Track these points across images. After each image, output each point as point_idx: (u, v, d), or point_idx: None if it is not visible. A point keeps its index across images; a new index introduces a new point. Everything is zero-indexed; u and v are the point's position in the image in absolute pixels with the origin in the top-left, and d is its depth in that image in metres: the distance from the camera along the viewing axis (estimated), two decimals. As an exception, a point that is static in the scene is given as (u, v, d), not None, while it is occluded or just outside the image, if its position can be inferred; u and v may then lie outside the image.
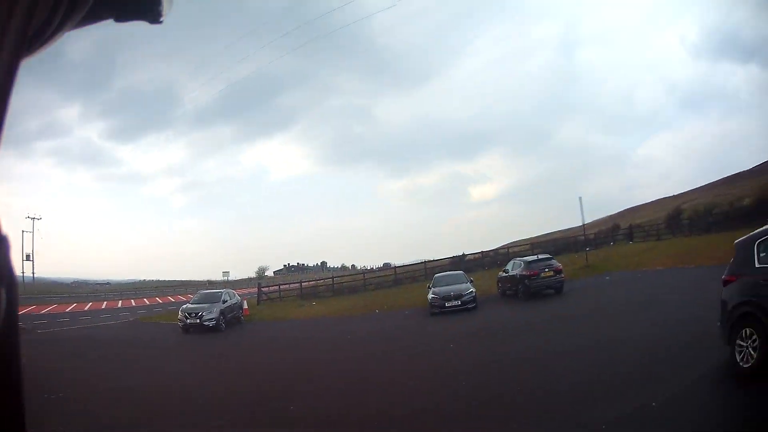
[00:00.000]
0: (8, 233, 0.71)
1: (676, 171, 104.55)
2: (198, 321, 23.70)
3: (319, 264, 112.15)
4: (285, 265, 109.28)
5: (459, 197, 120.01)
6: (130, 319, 33.66)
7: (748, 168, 60.76)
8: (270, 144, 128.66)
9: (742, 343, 7.78)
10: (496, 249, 46.49)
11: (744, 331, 7.77)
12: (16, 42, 0.68)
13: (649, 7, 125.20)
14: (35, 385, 10.80)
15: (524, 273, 23.56)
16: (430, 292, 23.23)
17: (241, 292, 32.97)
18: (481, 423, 7.96)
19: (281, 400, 10.19)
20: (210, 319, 23.71)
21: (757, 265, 7.85)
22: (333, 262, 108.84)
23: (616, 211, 65.56)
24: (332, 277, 41.22)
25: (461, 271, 26.92)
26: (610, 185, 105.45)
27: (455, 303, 21.88)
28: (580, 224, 35.41)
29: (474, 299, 22.20)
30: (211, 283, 63.91)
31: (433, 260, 42.29)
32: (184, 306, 25.57)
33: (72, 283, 74.61)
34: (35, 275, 63.36)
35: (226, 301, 25.71)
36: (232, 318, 25.62)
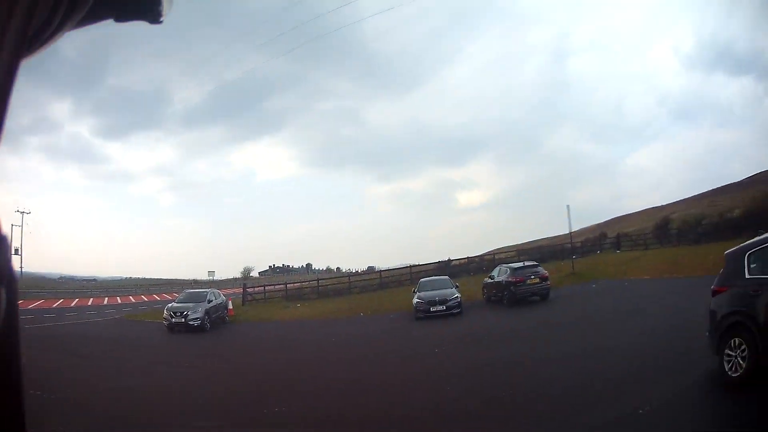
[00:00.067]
0: (8, 233, 0.70)
1: (666, 181, 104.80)
2: (183, 320, 23.49)
3: (305, 266, 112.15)
4: (270, 266, 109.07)
5: (446, 203, 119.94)
6: (116, 316, 33.34)
7: (738, 180, 61.21)
8: (258, 146, 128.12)
9: (730, 352, 7.82)
10: (482, 255, 46.42)
11: (733, 340, 7.81)
12: (16, 42, 0.69)
13: (643, 17, 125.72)
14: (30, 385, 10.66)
15: (510, 279, 23.44)
16: (415, 296, 23.14)
17: (226, 292, 32.69)
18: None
19: (278, 400, 10.18)
20: (195, 319, 23.50)
21: (747, 276, 7.91)
22: (318, 264, 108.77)
23: (604, 220, 65.82)
24: (317, 280, 40.90)
25: (447, 276, 26.88)
26: (598, 194, 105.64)
27: (440, 308, 21.84)
28: (567, 232, 35.41)
29: (459, 304, 22.15)
30: (196, 283, 63.51)
31: (419, 265, 42.13)
32: (170, 305, 25.31)
33: (59, 278, 74.08)
34: (23, 270, 63.19)
35: (212, 300, 25.42)
36: (216, 318, 25.37)
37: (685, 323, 12.30)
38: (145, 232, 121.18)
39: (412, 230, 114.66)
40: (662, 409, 7.29)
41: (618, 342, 12.57)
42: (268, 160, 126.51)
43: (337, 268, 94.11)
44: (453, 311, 21.86)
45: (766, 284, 7.53)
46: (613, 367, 10.16)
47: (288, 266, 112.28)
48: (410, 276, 37.78)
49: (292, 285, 39.41)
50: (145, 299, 49.52)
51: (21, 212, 64.45)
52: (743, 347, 7.60)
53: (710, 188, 60.95)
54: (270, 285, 42.70)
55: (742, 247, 8.30)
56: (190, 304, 24.45)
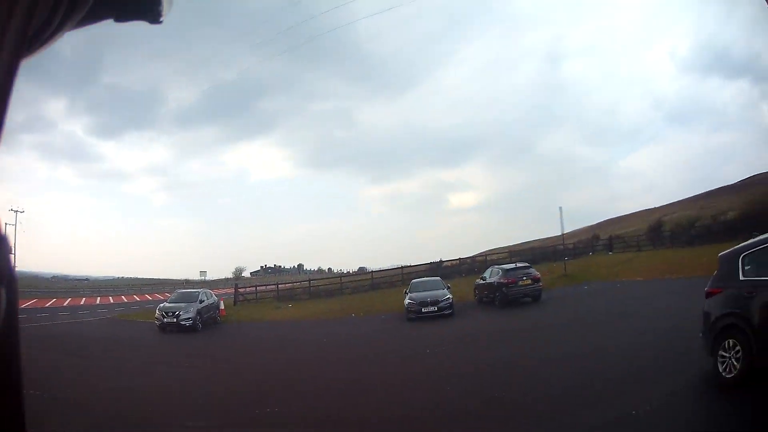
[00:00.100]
0: (8, 234, 0.71)
1: (660, 184, 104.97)
2: (175, 320, 23.40)
3: (296, 266, 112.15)
4: (262, 267, 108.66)
5: (438, 204, 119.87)
6: (108, 316, 32.84)
7: (732, 182, 61.37)
8: (252, 146, 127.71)
9: (724, 353, 7.86)
10: (474, 256, 46.11)
11: (727, 342, 7.85)
12: (16, 42, 0.68)
13: (639, 21, 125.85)
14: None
15: (502, 281, 23.34)
16: (407, 297, 23.09)
17: (218, 292, 32.55)
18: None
19: (273, 400, 10.20)
20: (187, 319, 23.41)
21: (741, 277, 7.95)
22: (310, 265, 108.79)
23: (596, 222, 65.87)
24: (309, 280, 40.62)
25: (438, 278, 26.71)
26: (591, 196, 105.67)
27: (432, 309, 21.80)
28: (560, 234, 35.40)
29: (451, 305, 22.13)
30: (188, 282, 63.30)
31: (411, 266, 41.80)
32: (162, 305, 25.16)
33: (52, 277, 73.81)
34: (17, 269, 62.60)
35: (203, 300, 25.35)
36: (208, 318, 25.25)
37: (678, 324, 12.28)
38: (137, 232, 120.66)
39: (404, 231, 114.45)
40: (657, 410, 7.32)
41: (610, 343, 12.56)
42: (261, 161, 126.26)
43: (329, 269, 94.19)
44: (445, 312, 21.83)
45: (761, 286, 7.58)
46: (606, 369, 10.14)
47: (280, 266, 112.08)
48: (402, 277, 37.48)
49: (283, 285, 39.16)
50: (137, 299, 49.36)
51: (15, 211, 64.38)
52: (737, 348, 7.65)
53: (704, 191, 61.18)
54: (261, 285, 42.40)
55: (737, 249, 8.35)
56: (182, 304, 24.34)
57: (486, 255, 46.14)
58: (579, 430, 7.19)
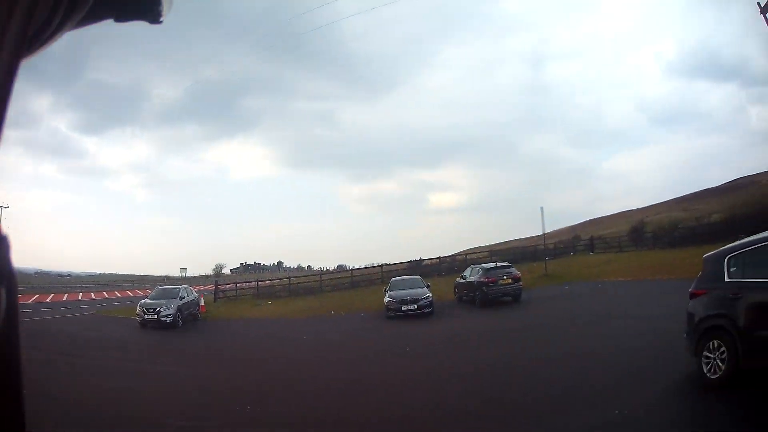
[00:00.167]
0: (8, 233, 0.71)
1: (643, 186, 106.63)
2: (156, 317, 23.52)
3: (276, 264, 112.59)
4: (242, 264, 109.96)
5: (419, 204, 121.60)
6: (90, 312, 33.36)
7: (716, 185, 62.07)
8: (232, 144, 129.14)
9: (709, 354, 7.90)
10: (454, 255, 46.63)
11: (712, 343, 7.89)
12: (16, 42, 0.68)
13: (626, 25, 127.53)
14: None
15: (482, 280, 23.41)
16: (387, 295, 23.20)
17: (198, 288, 32.87)
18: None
19: (249, 400, 10.06)
20: (167, 315, 23.55)
21: (726, 279, 7.99)
22: (289, 262, 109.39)
23: (578, 222, 66.36)
24: (288, 278, 40.87)
25: (418, 276, 26.87)
26: (573, 197, 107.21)
27: (412, 307, 21.87)
28: (541, 234, 35.43)
29: (430, 304, 22.21)
30: (168, 279, 63.99)
31: (390, 264, 42.36)
32: (143, 301, 25.36)
33: (35, 273, 73.46)
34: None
35: (184, 297, 25.47)
36: (188, 315, 25.45)
37: (660, 325, 12.32)
38: (119, 228, 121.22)
39: (383, 230, 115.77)
40: (642, 411, 7.32)
41: (591, 344, 12.54)
42: (242, 159, 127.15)
43: (308, 266, 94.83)
44: (424, 311, 21.90)
45: (747, 288, 7.62)
46: (587, 371, 10.07)
47: (259, 264, 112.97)
48: (381, 275, 37.89)
49: (263, 282, 39.54)
50: (119, 295, 49.98)
51: (1, 206, 63.83)
52: (722, 349, 7.70)
53: (687, 193, 61.81)
54: (241, 282, 42.71)
55: (722, 250, 8.39)
56: (163, 301, 24.48)
57: (466, 254, 46.44)
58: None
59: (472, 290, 24.36)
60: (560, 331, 15.24)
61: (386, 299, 22.95)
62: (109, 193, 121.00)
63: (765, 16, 27.08)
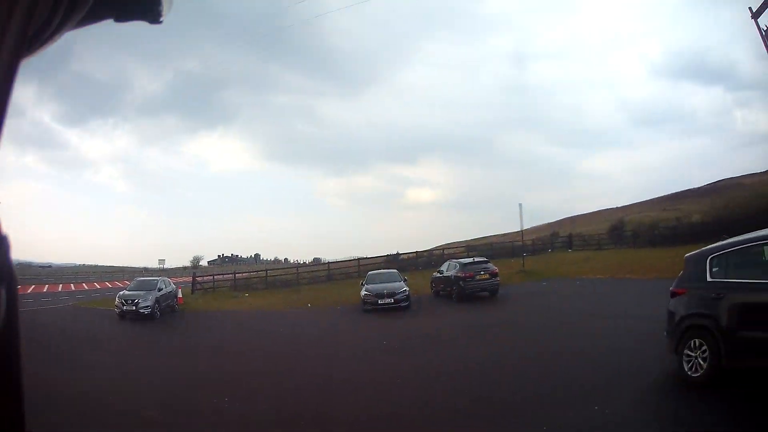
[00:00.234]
0: (8, 233, 0.71)
1: (623, 185, 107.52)
2: (134, 308, 23.63)
3: (253, 256, 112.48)
4: (219, 256, 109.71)
5: (397, 198, 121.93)
6: (70, 303, 33.33)
7: (697, 186, 62.72)
8: (212, 136, 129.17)
9: (690, 353, 7.96)
10: (431, 250, 46.91)
11: (693, 341, 7.95)
12: (16, 42, 0.68)
13: (609, 25, 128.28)
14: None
15: (459, 274, 23.52)
16: (364, 289, 23.27)
17: (175, 280, 32.77)
18: None
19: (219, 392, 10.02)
20: (145, 307, 23.69)
21: (709, 279, 8.02)
22: (266, 255, 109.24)
23: (557, 219, 66.66)
24: (266, 270, 40.95)
25: (395, 270, 26.92)
26: (552, 194, 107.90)
27: (388, 301, 21.94)
28: (519, 230, 35.59)
29: (407, 298, 22.26)
30: (147, 271, 63.60)
31: (367, 258, 42.48)
32: (121, 293, 25.35)
33: (16, 265, 72.46)
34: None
35: (162, 289, 25.68)
36: (166, 306, 25.65)
37: (641, 323, 12.39)
38: (99, 219, 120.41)
39: (360, 224, 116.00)
40: (626, 409, 7.32)
41: (572, 340, 12.57)
42: (220, 152, 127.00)
43: (285, 259, 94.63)
44: (401, 304, 21.95)
45: (729, 288, 7.65)
46: (568, 366, 10.09)
47: (237, 256, 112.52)
48: (358, 269, 38.15)
49: (240, 275, 39.78)
50: (98, 286, 49.70)
51: (-1, 205, 63.04)
52: (704, 348, 7.76)
53: (668, 193, 62.35)
54: (219, 274, 42.77)
55: (705, 250, 8.41)
56: (141, 292, 24.59)
57: (443, 249, 46.68)
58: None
59: (449, 285, 24.43)
60: (537, 327, 15.32)
61: (363, 293, 22.98)
62: (89, 184, 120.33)
63: (756, 21, 27.44)
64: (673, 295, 8.67)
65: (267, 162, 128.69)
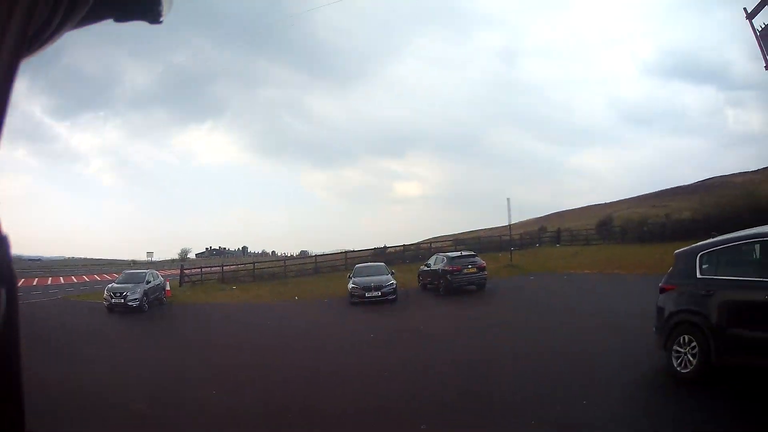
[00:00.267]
0: (8, 233, 0.71)
1: (611, 181, 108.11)
2: (122, 301, 23.66)
3: (240, 249, 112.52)
4: (207, 248, 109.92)
5: (384, 192, 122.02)
6: (59, 296, 33.45)
7: (687, 183, 63.17)
8: (201, 130, 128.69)
9: (679, 349, 7.99)
10: (418, 243, 47.03)
11: (682, 337, 7.98)
12: (16, 42, 0.68)
13: (600, 22, 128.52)
14: None
15: (447, 268, 23.57)
16: (351, 281, 23.28)
17: (163, 273, 32.64)
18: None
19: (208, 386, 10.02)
20: (134, 300, 23.72)
21: (698, 275, 8.05)
22: (254, 248, 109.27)
23: (545, 214, 66.91)
24: (253, 263, 40.89)
25: (382, 263, 26.90)
26: (540, 189, 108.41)
27: (375, 294, 21.97)
28: (506, 224, 35.61)
29: (394, 291, 22.30)
30: (135, 263, 63.47)
31: (354, 251, 42.41)
32: (110, 285, 25.38)
33: (8, 259, 71.92)
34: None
35: (150, 281, 25.74)
36: (154, 299, 25.67)
37: (629, 319, 12.41)
38: (87, 212, 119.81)
39: (348, 217, 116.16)
40: (616, 404, 7.33)
41: (555, 336, 12.53)
42: (209, 145, 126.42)
43: (273, 252, 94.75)
44: (388, 297, 22.00)
45: (719, 285, 7.68)
46: (556, 360, 10.04)
47: (224, 249, 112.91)
48: (345, 262, 38.16)
49: (228, 267, 39.74)
50: (87, 279, 49.60)
51: (-3, 204, 62.30)
52: (693, 344, 7.79)
53: (657, 190, 62.69)
54: (206, 267, 42.69)
55: (695, 247, 8.44)
56: (129, 285, 24.67)
57: (431, 242, 46.72)
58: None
59: (436, 278, 24.48)
60: (525, 321, 15.29)
61: (350, 285, 23.02)
62: (78, 177, 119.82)
63: (751, 22, 27.67)
64: (663, 291, 8.70)
65: (255, 155, 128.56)
